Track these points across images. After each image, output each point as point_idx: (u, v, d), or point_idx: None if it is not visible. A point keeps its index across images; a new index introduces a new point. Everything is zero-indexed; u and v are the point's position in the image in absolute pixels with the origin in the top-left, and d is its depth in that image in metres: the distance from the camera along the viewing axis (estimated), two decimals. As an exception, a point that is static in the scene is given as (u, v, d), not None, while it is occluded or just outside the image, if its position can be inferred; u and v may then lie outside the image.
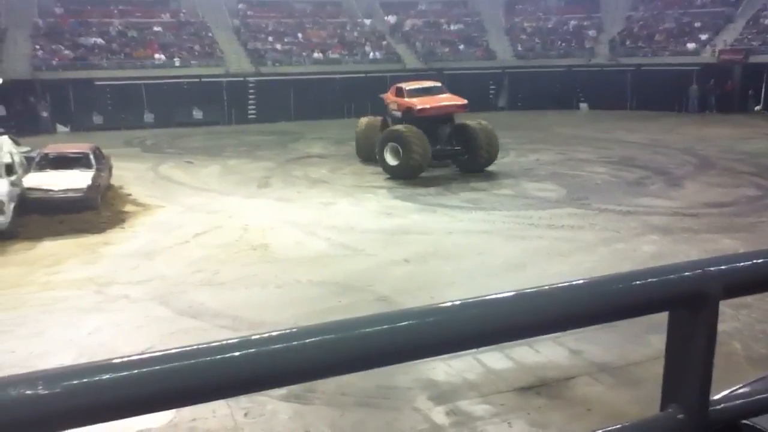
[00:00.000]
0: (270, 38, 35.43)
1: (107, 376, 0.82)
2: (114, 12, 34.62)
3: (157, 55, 32.22)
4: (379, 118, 20.42)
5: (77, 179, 13.94)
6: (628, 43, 35.78)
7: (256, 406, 6.30)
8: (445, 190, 16.53)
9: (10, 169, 13.64)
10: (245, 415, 6.22)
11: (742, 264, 1.20)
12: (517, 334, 1.08)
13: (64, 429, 0.81)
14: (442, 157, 18.75)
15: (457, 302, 1.02)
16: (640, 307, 1.16)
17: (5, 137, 15.09)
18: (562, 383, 6.81)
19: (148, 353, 0.85)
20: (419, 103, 18.56)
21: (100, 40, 32.38)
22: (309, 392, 6.45)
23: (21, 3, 32.16)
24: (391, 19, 38.18)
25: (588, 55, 35.88)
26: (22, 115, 28.30)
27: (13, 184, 13.09)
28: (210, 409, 6.14)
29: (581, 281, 1.12)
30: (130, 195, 16.00)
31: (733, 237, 11.70)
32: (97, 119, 30.12)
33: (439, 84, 20.62)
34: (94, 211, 13.76)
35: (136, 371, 0.83)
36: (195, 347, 0.87)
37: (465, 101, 18.98)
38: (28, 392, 0.77)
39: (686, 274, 1.14)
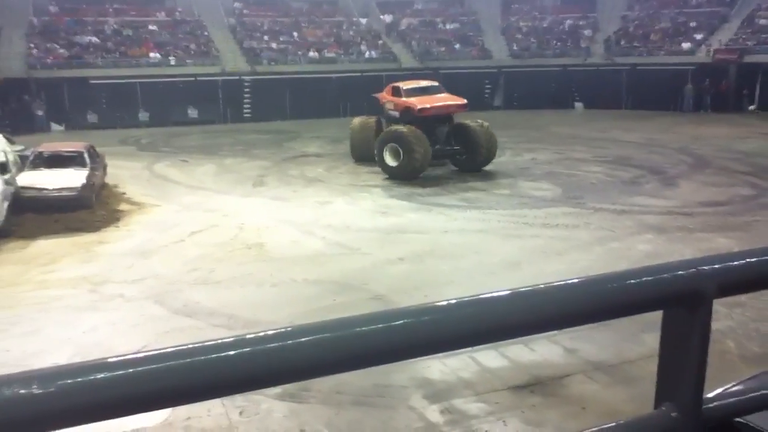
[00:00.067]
0: (266, 37, 35.37)
1: (102, 375, 0.81)
2: (109, 10, 34.51)
3: (152, 54, 32.13)
4: (374, 118, 20.17)
5: (72, 178, 13.89)
6: (623, 42, 35.86)
7: (251, 405, 6.30)
8: (440, 189, 16.54)
9: (4, 168, 13.61)
10: (240, 413, 6.22)
11: (736, 263, 1.21)
12: (512, 333, 1.08)
13: (60, 428, 0.80)
14: (441, 157, 18.66)
15: (453, 301, 1.02)
16: (634, 305, 1.16)
17: (-1, 136, 15.07)
18: (557, 381, 6.83)
19: (143, 352, 0.85)
20: (419, 102, 18.36)
21: (95, 39, 32.29)
22: (304, 391, 6.45)
23: (16, 1, 32.01)
24: (387, 18, 38.16)
25: (583, 55, 35.95)
26: (17, 113, 28.19)
27: (7, 182, 13.06)
28: (205, 408, 6.14)
29: (576, 280, 1.12)
30: (125, 194, 15.96)
31: (728, 236, 11.75)
32: (92, 118, 30.03)
33: (436, 83, 20.43)
34: (89, 210, 13.72)
35: (131, 370, 0.83)
36: (190, 346, 0.87)
37: (465, 101, 18.86)
38: (23, 391, 0.77)
39: (681, 273, 1.15)
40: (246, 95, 32.57)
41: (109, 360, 0.84)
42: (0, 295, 9.54)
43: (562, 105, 34.53)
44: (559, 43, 37.54)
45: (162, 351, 0.86)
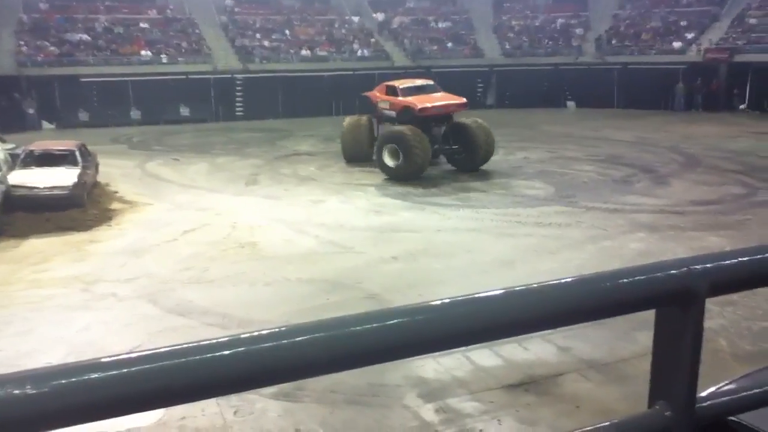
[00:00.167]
0: (258, 35, 35.28)
1: (96, 375, 0.81)
2: (100, 8, 34.35)
3: (143, 52, 32.01)
4: (365, 117, 19.84)
5: (63, 177, 13.83)
6: (614, 41, 35.98)
7: (245, 404, 6.29)
8: (434, 188, 16.55)
9: (-5, 167, 13.54)
10: (235, 413, 6.21)
11: (728, 262, 1.21)
12: (506, 332, 1.08)
13: (54, 428, 0.80)
14: (439, 156, 18.57)
15: (447, 300, 1.02)
16: (627, 304, 1.16)
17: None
18: (550, 380, 6.85)
19: (136, 352, 0.85)
20: (419, 102, 18.11)
21: (86, 37, 32.11)
22: (299, 390, 6.45)
23: (6, -1, 31.85)
24: (379, 16, 38.16)
25: (575, 54, 36.04)
26: (8, 111, 27.98)
27: (-2, 181, 12.99)
28: (199, 408, 6.12)
29: (569, 279, 1.12)
30: (117, 192, 15.88)
31: (719, 234, 11.81)
32: (83, 116, 29.88)
33: (431, 82, 20.27)
34: (81, 209, 13.67)
35: (125, 370, 0.83)
36: (185, 346, 0.87)
37: (464, 100, 18.73)
38: (16, 392, 0.77)
39: (673, 272, 1.15)
40: (238, 93, 32.49)
41: (103, 360, 0.83)
42: (-9, 294, 9.49)
43: (554, 104, 34.62)
44: (550, 42, 37.64)
45: (156, 351, 0.85)
